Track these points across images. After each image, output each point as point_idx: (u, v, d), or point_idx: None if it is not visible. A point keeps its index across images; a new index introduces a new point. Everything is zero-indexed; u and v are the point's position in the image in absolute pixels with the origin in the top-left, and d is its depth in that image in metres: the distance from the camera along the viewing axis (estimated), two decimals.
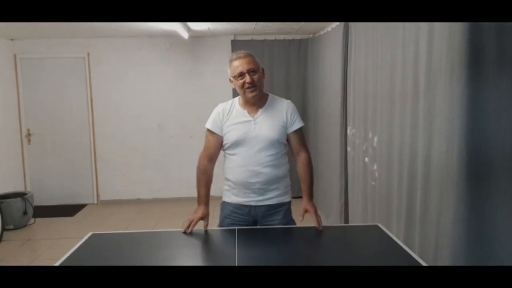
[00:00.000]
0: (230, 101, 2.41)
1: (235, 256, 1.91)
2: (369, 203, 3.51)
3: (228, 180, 2.46)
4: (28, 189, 5.94)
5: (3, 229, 4.79)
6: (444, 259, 2.15)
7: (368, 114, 3.51)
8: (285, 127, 2.33)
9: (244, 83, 2.24)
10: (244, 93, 2.28)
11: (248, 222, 2.39)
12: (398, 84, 2.81)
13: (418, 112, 2.49)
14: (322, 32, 5.29)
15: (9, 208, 4.96)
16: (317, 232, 2.22)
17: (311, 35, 5.91)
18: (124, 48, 5.97)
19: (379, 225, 2.33)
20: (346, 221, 4.25)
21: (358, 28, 3.76)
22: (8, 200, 5.03)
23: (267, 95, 2.39)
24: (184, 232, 2.24)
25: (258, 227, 2.37)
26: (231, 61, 2.30)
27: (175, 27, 4.81)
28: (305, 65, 6.01)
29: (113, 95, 6.04)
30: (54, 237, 4.81)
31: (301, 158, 2.39)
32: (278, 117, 2.32)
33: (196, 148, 6.64)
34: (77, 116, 6.06)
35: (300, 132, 2.38)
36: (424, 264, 1.78)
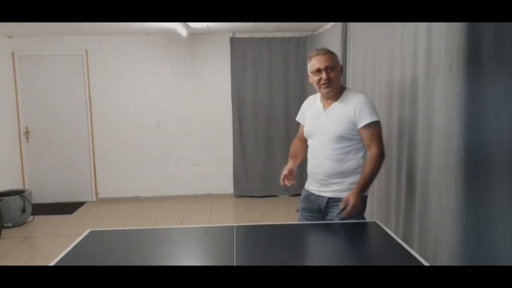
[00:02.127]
0: (317, 94, 2.53)
1: (233, 253, 1.91)
2: (368, 199, 3.50)
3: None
4: (27, 186, 5.93)
5: (2, 227, 4.79)
6: (443, 256, 2.15)
7: None
8: (353, 123, 2.34)
9: (320, 79, 2.34)
10: (319, 88, 2.38)
11: (315, 210, 2.49)
12: (397, 81, 2.81)
13: (417, 109, 2.49)
14: (320, 30, 5.29)
15: (7, 206, 4.96)
16: (316, 229, 2.23)
17: (309, 33, 5.90)
18: (123, 45, 5.96)
19: (377, 221, 2.33)
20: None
21: (357, 26, 3.75)
22: (7, 197, 5.03)
23: (344, 89, 2.45)
24: (285, 185, 2.41)
25: (255, 224, 2.38)
26: (310, 57, 2.40)
27: (174, 24, 4.80)
28: (304, 63, 5.95)
29: (111, 93, 6.02)
30: (53, 234, 4.81)
31: (370, 153, 2.39)
32: (347, 112, 2.35)
33: (195, 146, 6.70)
34: (75, 113, 6.04)
35: (370, 127, 2.33)
36: (422, 260, 1.78)
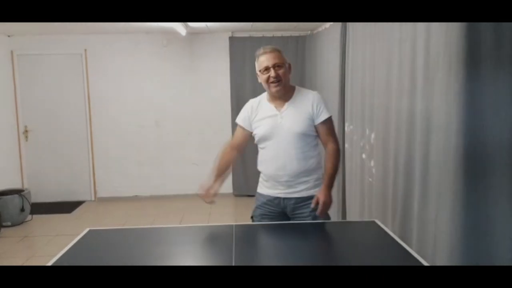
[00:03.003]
0: (258, 97, 2.49)
1: (232, 253, 1.91)
2: (366, 199, 3.51)
3: (261, 172, 2.49)
4: (25, 186, 5.93)
5: (0, 226, 4.79)
6: (442, 255, 2.15)
7: (365, 110, 3.51)
8: (311, 119, 2.34)
9: (269, 77, 2.30)
10: (269, 87, 2.34)
11: (278, 214, 2.41)
12: (396, 80, 2.81)
13: (416, 108, 2.49)
14: (320, 29, 5.29)
15: (6, 205, 4.95)
16: (315, 228, 2.23)
17: (308, 32, 5.90)
18: (122, 44, 5.95)
19: (376, 221, 2.34)
20: (344, 217, 4.26)
21: (356, 25, 3.75)
22: (5, 197, 5.02)
23: (294, 88, 2.43)
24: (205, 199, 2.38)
25: (254, 223, 2.37)
26: (258, 55, 2.36)
27: (173, 24, 4.80)
28: (303, 62, 6.00)
29: (110, 92, 6.02)
30: (51, 234, 4.80)
31: (328, 148, 2.39)
32: (304, 109, 2.34)
33: (194, 145, 6.69)
34: (74, 112, 6.04)
35: (327, 123, 2.37)
36: (420, 259, 1.78)
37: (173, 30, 5.36)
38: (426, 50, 2.32)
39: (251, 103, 2.49)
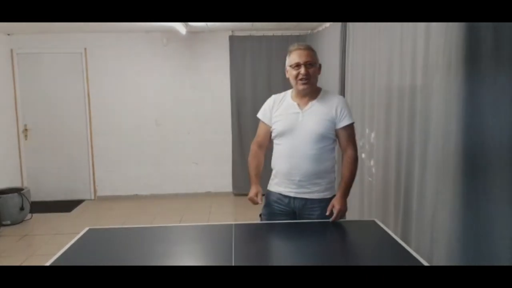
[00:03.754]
0: (283, 93, 2.47)
1: (232, 252, 1.91)
2: (366, 198, 3.51)
3: (273, 169, 2.46)
4: (25, 184, 5.93)
5: (0, 225, 4.79)
6: (440, 254, 2.16)
7: (365, 110, 3.51)
8: (333, 122, 2.32)
9: (298, 74, 2.29)
10: (296, 83, 2.32)
11: (288, 213, 2.39)
12: (395, 80, 2.81)
13: (415, 108, 2.49)
14: (320, 28, 5.29)
15: (5, 204, 4.95)
16: (314, 227, 2.23)
17: (309, 31, 5.90)
18: (122, 43, 5.95)
19: (376, 220, 2.34)
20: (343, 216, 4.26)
21: (356, 24, 3.75)
22: (5, 195, 5.02)
23: (320, 89, 2.41)
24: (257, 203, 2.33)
25: (253, 222, 2.37)
26: (291, 50, 2.34)
27: (173, 23, 4.80)
28: None
29: (110, 91, 6.02)
30: (51, 232, 4.80)
31: (347, 155, 2.37)
32: (327, 111, 2.32)
33: (194, 144, 6.69)
34: (74, 111, 6.03)
35: (349, 128, 2.35)
36: (420, 258, 1.78)
37: (173, 29, 5.36)
38: (426, 49, 2.32)
39: (274, 97, 2.47)
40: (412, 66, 2.53)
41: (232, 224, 2.30)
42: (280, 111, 2.39)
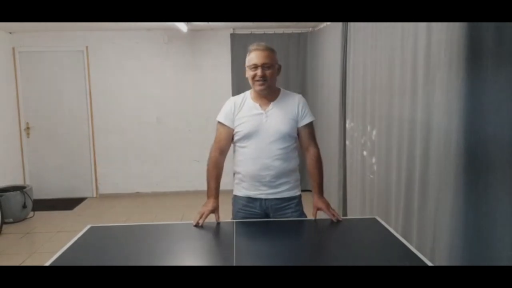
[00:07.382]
0: (242, 94, 2.44)
1: (233, 249, 1.92)
2: (367, 196, 3.51)
3: (238, 173, 2.41)
4: (27, 182, 5.95)
5: (2, 223, 4.80)
6: (441, 252, 2.16)
7: (366, 107, 3.51)
8: (296, 121, 2.32)
9: (255, 75, 2.29)
10: (253, 84, 2.32)
11: (261, 216, 2.37)
12: (397, 77, 2.81)
13: (417, 106, 2.49)
14: (321, 26, 5.28)
15: (8, 202, 4.97)
16: (315, 225, 2.23)
17: (310, 29, 5.89)
18: (123, 41, 5.95)
19: (377, 218, 2.34)
20: (345, 214, 4.26)
21: (357, 22, 3.74)
22: (7, 193, 5.04)
23: (279, 89, 2.40)
24: (196, 225, 2.21)
25: (256, 220, 2.37)
26: (250, 50, 2.35)
27: None
28: (304, 59, 5.99)
29: (111, 89, 6.02)
30: (53, 230, 4.82)
31: (310, 153, 2.38)
32: (290, 110, 2.32)
33: (195, 142, 6.68)
34: (76, 109, 6.05)
35: (310, 126, 2.37)
36: (421, 256, 1.78)
37: (174, 27, 5.36)
38: (427, 47, 2.32)
39: (234, 99, 2.43)
40: (413, 64, 2.53)
41: (233, 222, 2.30)
42: (242, 113, 2.35)
